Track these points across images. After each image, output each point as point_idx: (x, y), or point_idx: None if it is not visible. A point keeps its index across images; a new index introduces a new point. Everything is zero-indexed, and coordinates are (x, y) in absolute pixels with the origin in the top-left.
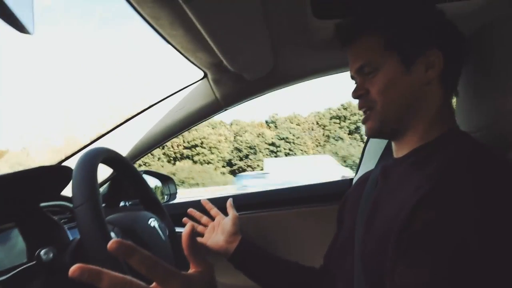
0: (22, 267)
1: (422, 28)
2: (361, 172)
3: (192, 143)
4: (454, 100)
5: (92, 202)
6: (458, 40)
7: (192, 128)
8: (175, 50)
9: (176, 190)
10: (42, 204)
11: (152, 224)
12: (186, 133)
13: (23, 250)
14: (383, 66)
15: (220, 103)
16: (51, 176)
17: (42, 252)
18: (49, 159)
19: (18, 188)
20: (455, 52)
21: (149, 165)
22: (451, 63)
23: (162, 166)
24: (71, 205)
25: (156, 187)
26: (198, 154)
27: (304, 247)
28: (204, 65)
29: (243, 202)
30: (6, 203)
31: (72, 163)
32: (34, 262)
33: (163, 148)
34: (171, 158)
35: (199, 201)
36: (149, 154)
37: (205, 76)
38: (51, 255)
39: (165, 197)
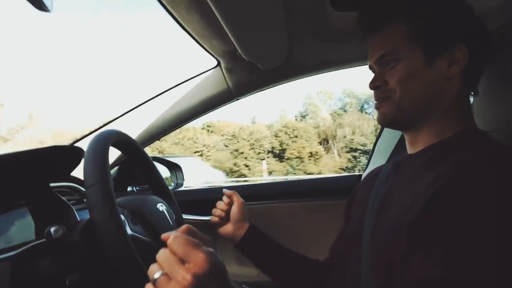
0: (32, 244)
1: (451, 21)
2: (371, 167)
3: None
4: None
5: (103, 183)
6: (485, 37)
7: None
8: (190, 37)
9: (183, 178)
10: (52, 184)
11: (160, 209)
12: None
13: (31, 228)
14: (405, 57)
15: (232, 92)
16: (63, 156)
17: (52, 229)
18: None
19: (30, 167)
20: (481, 49)
21: None
22: (475, 60)
23: None
24: (80, 187)
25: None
26: None
27: (309, 240)
28: (217, 53)
29: (251, 192)
30: (17, 180)
31: (83, 145)
32: (44, 240)
33: None
34: None
35: (205, 189)
36: None
37: (218, 64)
38: (60, 232)
39: (172, 184)
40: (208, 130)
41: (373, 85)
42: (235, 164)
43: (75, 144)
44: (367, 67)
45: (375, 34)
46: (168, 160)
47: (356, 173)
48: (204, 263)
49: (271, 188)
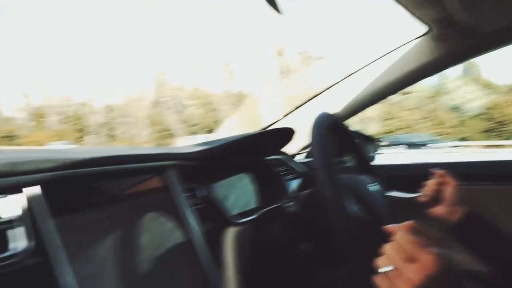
0: (265, 209)
1: None
2: None
3: None
4: None
5: (329, 167)
6: None
7: None
8: (399, 5)
9: (376, 151)
10: (266, 158)
11: (371, 189)
12: None
13: (254, 194)
14: None
15: (444, 61)
16: (277, 136)
17: (286, 204)
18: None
19: (258, 144)
20: None
21: None
22: None
23: None
24: (286, 161)
25: None
26: None
27: None
28: (428, 20)
29: (464, 171)
30: (245, 155)
31: (287, 123)
32: (275, 205)
33: None
34: None
35: (408, 164)
36: None
37: (429, 31)
38: (292, 207)
39: None
40: None
41: None
42: None
43: (285, 117)
44: None
45: None
46: (361, 133)
47: None
48: (435, 265)
49: (489, 167)
